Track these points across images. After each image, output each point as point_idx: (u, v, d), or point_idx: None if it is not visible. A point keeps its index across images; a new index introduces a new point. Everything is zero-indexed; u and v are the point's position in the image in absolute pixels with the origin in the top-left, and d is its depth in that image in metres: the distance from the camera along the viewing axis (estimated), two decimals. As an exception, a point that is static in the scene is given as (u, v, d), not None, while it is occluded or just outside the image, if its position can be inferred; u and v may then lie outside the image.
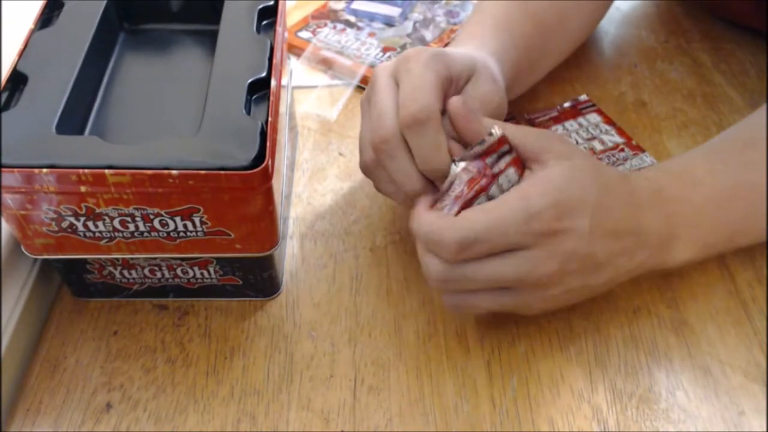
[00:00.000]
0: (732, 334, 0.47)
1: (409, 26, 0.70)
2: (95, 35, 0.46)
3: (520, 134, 0.42)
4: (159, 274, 0.47)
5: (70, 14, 0.47)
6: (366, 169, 0.46)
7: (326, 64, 0.67)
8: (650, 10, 0.74)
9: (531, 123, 0.61)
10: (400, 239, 0.53)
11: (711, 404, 0.43)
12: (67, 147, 0.40)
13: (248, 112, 0.42)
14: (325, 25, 0.70)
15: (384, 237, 0.53)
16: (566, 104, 0.62)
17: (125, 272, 0.47)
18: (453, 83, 0.44)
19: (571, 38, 0.60)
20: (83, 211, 0.41)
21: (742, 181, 0.45)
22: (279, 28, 0.48)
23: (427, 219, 0.41)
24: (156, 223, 0.42)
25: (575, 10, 0.58)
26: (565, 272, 0.40)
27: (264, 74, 0.44)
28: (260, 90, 0.44)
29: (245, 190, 0.40)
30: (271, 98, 0.43)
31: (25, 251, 0.44)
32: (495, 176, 0.41)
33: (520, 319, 0.47)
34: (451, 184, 0.41)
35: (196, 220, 0.42)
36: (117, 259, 0.46)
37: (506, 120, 0.60)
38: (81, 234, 0.43)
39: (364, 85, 0.65)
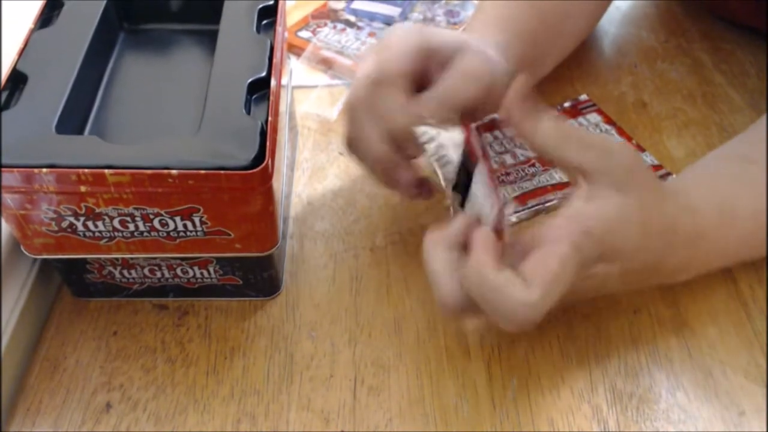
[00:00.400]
0: (732, 335, 0.47)
1: (409, 26, 0.70)
2: (95, 35, 0.46)
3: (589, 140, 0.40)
4: (159, 274, 0.47)
5: (69, 14, 0.47)
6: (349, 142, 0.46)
7: (326, 64, 0.67)
8: (650, 10, 0.74)
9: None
10: (400, 239, 0.53)
11: (711, 405, 0.43)
12: (67, 147, 0.40)
13: (248, 112, 0.42)
14: (325, 24, 0.70)
15: (384, 237, 0.53)
16: (566, 104, 0.62)
17: (125, 272, 0.47)
18: (434, 55, 0.44)
19: (573, 35, 0.60)
20: (83, 211, 0.41)
21: None
22: (279, 28, 0.48)
23: (504, 287, 0.36)
24: (156, 222, 0.42)
25: (577, 7, 0.58)
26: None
27: (264, 74, 0.44)
28: (260, 90, 0.44)
29: (245, 190, 0.40)
30: (271, 98, 0.43)
31: (24, 251, 0.44)
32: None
33: (520, 319, 0.47)
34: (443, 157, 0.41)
35: (196, 220, 0.42)
36: (117, 259, 0.46)
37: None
38: (81, 234, 0.43)
39: (364, 84, 0.65)
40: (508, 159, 0.57)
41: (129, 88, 0.47)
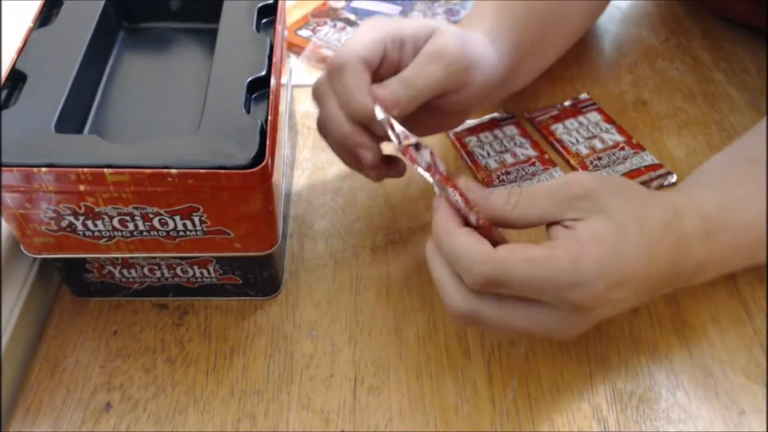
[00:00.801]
0: (732, 334, 0.47)
1: (409, 25, 0.70)
2: (94, 34, 0.46)
3: (553, 184, 0.39)
4: (158, 274, 0.47)
5: (69, 12, 0.47)
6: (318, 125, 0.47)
7: (326, 63, 0.66)
8: (650, 8, 0.74)
9: (531, 122, 0.61)
10: (400, 239, 0.53)
11: (711, 404, 0.43)
12: (66, 146, 0.40)
13: (248, 111, 0.42)
14: (325, 23, 0.70)
15: (384, 237, 0.53)
16: (566, 103, 0.62)
17: (125, 271, 0.47)
18: (407, 44, 0.44)
19: (571, 29, 0.60)
20: (82, 210, 0.41)
21: None
22: (279, 27, 0.48)
23: (462, 240, 0.37)
24: (155, 222, 0.42)
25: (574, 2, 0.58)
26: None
27: (264, 73, 0.44)
28: (260, 89, 0.44)
29: (245, 189, 0.40)
30: (271, 97, 0.43)
31: (24, 250, 0.44)
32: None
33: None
34: (396, 134, 0.42)
35: (196, 219, 0.42)
36: (116, 259, 0.46)
37: (506, 119, 0.61)
38: (80, 233, 0.43)
39: (364, 83, 0.65)
40: (509, 158, 0.57)
41: (128, 87, 0.47)
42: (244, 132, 0.40)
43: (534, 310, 0.37)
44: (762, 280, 0.49)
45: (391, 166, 0.48)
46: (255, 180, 0.39)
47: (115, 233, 0.43)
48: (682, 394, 0.44)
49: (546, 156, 0.57)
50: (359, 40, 0.43)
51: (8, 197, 0.40)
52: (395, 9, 0.70)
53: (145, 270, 0.47)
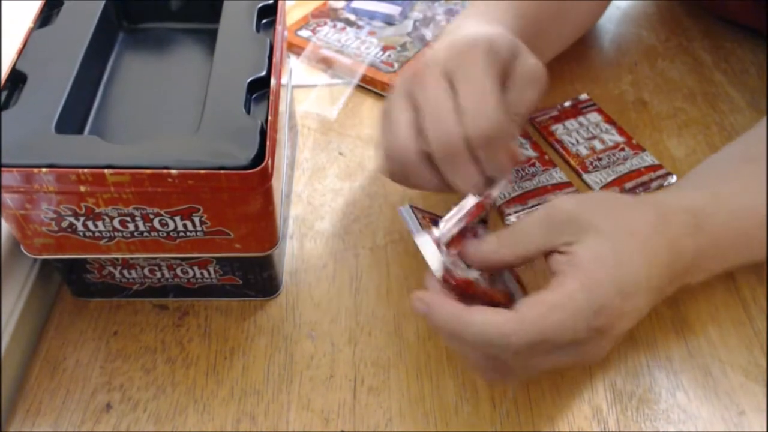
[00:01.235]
0: (732, 334, 0.47)
1: (409, 25, 0.70)
2: (94, 34, 0.46)
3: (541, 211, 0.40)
4: (159, 274, 0.47)
5: (69, 13, 0.47)
6: (402, 172, 0.43)
7: (326, 63, 0.66)
8: (650, 8, 0.74)
9: (531, 122, 0.61)
10: (400, 239, 0.53)
11: (711, 404, 0.43)
12: (67, 146, 0.40)
13: (248, 112, 0.42)
14: (325, 23, 0.70)
15: (384, 237, 0.53)
16: (567, 103, 0.62)
17: (125, 272, 0.47)
18: (505, 71, 0.43)
19: (572, 27, 0.60)
20: (83, 211, 0.41)
21: None
22: (279, 27, 0.48)
23: (480, 319, 0.37)
24: (156, 222, 0.42)
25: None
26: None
27: (264, 73, 0.44)
28: (260, 89, 0.44)
29: (245, 190, 0.40)
30: (271, 97, 0.43)
31: (24, 251, 0.44)
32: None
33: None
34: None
35: (196, 220, 0.42)
36: (117, 259, 0.46)
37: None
38: (81, 234, 0.43)
39: (364, 84, 0.65)
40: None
41: (129, 87, 0.47)
42: (244, 132, 0.40)
43: (571, 349, 0.37)
44: (762, 280, 0.49)
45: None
46: (255, 180, 0.40)
47: (116, 234, 0.43)
48: (682, 395, 0.44)
49: (546, 157, 0.57)
50: (492, 100, 0.40)
51: (8, 198, 0.40)
52: (395, 9, 0.70)
53: (146, 271, 0.47)
